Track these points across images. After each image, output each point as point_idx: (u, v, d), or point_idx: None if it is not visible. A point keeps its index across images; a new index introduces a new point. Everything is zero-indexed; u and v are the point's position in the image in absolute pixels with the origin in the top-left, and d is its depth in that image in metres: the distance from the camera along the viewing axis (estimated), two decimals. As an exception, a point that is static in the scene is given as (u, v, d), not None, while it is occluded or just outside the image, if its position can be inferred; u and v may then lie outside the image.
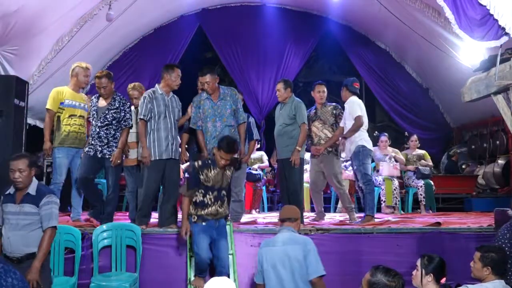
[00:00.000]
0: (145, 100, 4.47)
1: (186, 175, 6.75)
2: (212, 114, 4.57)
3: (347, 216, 5.46)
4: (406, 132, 8.81)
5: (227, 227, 4.20)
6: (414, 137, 7.38)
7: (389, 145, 7.27)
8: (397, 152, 7.15)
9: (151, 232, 4.35)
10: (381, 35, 9.10)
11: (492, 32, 4.06)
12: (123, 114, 4.64)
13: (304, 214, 5.22)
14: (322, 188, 5.74)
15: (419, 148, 7.33)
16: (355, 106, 5.12)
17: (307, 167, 5.89)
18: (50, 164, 7.34)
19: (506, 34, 3.95)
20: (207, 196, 3.84)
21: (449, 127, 9.38)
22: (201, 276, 3.86)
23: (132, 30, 8.30)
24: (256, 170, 6.92)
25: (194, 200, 3.87)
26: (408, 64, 9.32)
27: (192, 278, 3.95)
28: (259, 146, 6.18)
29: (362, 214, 5.27)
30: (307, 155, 5.70)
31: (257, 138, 5.56)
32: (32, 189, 3.26)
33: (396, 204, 6.75)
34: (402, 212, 6.85)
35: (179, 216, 4.77)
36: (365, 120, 5.16)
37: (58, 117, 4.83)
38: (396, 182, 6.80)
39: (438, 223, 4.77)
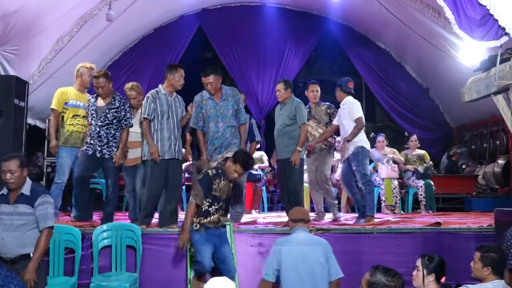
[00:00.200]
0: (149, 100, 4.48)
1: (187, 175, 6.75)
2: (214, 114, 4.56)
3: (348, 216, 5.47)
4: (406, 132, 8.83)
5: (227, 227, 4.21)
6: (414, 137, 7.38)
7: (388, 145, 7.27)
8: (395, 152, 7.16)
9: (151, 232, 4.34)
10: (381, 35, 9.11)
11: (492, 32, 4.06)
12: (123, 113, 4.65)
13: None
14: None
15: (419, 148, 7.33)
16: (354, 107, 5.10)
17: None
18: (50, 164, 7.36)
19: (506, 34, 3.95)
20: (213, 206, 3.77)
21: (449, 127, 9.39)
22: (201, 280, 3.83)
23: (132, 30, 8.31)
24: (256, 170, 6.92)
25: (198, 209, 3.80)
26: (408, 64, 9.33)
27: (192, 279, 3.95)
28: (259, 146, 6.19)
29: (355, 215, 5.25)
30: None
31: (258, 139, 5.56)
32: (26, 190, 3.24)
33: (396, 203, 6.76)
34: (402, 212, 6.85)
35: (179, 216, 4.79)
36: (363, 120, 5.16)
37: (62, 117, 4.85)
38: (395, 182, 6.81)
39: (438, 223, 4.77)
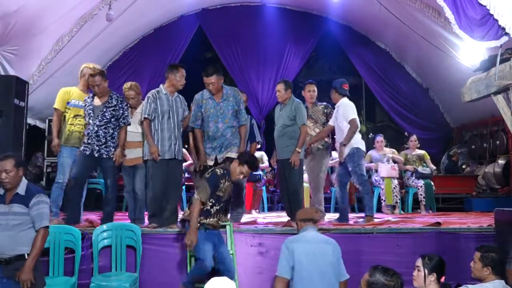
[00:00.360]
0: (149, 100, 4.48)
1: (187, 175, 6.75)
2: (214, 114, 4.55)
3: (349, 216, 5.47)
4: (406, 132, 8.83)
5: (227, 227, 4.21)
6: (414, 137, 7.38)
7: (388, 145, 7.27)
8: (394, 152, 7.16)
9: (151, 232, 4.34)
10: (381, 35, 9.11)
11: (492, 32, 4.07)
12: (121, 111, 4.62)
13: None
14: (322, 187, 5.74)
15: (419, 148, 7.33)
16: (348, 109, 5.12)
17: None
18: (50, 164, 7.36)
19: (506, 34, 3.95)
20: (215, 207, 3.77)
21: (449, 127, 9.38)
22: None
23: (132, 30, 8.31)
24: (258, 165, 6.90)
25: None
26: (408, 64, 9.32)
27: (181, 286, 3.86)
28: (259, 146, 6.18)
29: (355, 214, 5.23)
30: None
31: (258, 140, 5.56)
32: (21, 189, 3.22)
33: (396, 202, 6.76)
34: (402, 212, 6.85)
35: (179, 216, 4.79)
36: (357, 121, 5.17)
37: (64, 116, 4.84)
38: (395, 181, 6.81)
39: (438, 223, 4.77)
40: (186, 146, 5.27)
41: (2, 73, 5.65)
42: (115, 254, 4.10)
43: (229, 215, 4.63)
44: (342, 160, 5.11)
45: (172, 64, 4.77)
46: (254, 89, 9.00)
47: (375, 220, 5.19)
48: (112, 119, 4.58)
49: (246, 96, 5.75)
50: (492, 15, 3.97)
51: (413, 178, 6.99)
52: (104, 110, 4.55)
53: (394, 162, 6.92)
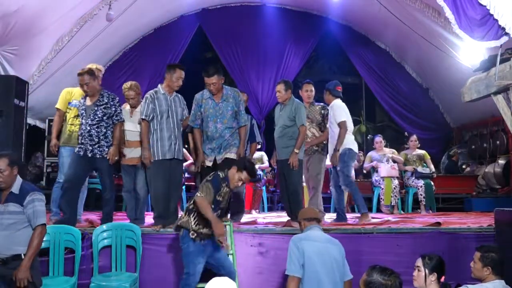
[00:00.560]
0: (147, 100, 4.46)
1: (187, 175, 6.75)
2: (213, 114, 4.52)
3: (349, 216, 5.47)
4: (406, 132, 8.83)
5: (227, 227, 4.20)
6: (414, 137, 7.38)
7: (388, 145, 7.27)
8: (394, 152, 7.16)
9: (151, 232, 4.34)
10: (381, 35, 9.11)
11: (492, 32, 4.07)
12: (113, 109, 4.54)
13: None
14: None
15: (419, 148, 7.33)
16: (339, 111, 5.13)
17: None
18: (50, 164, 7.37)
19: (506, 34, 3.95)
20: (214, 213, 3.60)
21: (449, 127, 9.39)
22: None
23: (132, 30, 8.31)
24: (256, 170, 6.91)
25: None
26: (408, 64, 9.33)
27: None
28: (259, 146, 6.18)
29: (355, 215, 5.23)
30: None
31: (259, 140, 5.55)
32: (15, 188, 3.21)
33: (395, 203, 6.76)
34: (402, 212, 6.85)
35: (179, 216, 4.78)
36: (350, 122, 5.17)
37: (66, 116, 4.84)
38: (396, 181, 6.81)
39: (438, 223, 4.77)
40: (186, 146, 5.26)
41: (2, 73, 5.65)
42: (115, 254, 4.09)
43: (229, 215, 4.63)
44: (335, 165, 5.13)
45: (170, 64, 4.74)
46: (254, 89, 9.00)
47: (375, 220, 5.18)
48: (104, 118, 4.50)
49: (246, 96, 5.74)
50: (492, 15, 3.98)
51: (413, 178, 6.99)
52: (96, 109, 4.48)
53: (394, 162, 6.93)
